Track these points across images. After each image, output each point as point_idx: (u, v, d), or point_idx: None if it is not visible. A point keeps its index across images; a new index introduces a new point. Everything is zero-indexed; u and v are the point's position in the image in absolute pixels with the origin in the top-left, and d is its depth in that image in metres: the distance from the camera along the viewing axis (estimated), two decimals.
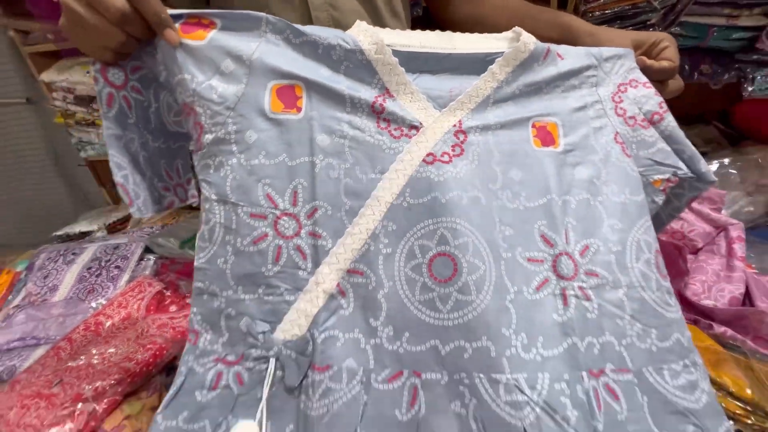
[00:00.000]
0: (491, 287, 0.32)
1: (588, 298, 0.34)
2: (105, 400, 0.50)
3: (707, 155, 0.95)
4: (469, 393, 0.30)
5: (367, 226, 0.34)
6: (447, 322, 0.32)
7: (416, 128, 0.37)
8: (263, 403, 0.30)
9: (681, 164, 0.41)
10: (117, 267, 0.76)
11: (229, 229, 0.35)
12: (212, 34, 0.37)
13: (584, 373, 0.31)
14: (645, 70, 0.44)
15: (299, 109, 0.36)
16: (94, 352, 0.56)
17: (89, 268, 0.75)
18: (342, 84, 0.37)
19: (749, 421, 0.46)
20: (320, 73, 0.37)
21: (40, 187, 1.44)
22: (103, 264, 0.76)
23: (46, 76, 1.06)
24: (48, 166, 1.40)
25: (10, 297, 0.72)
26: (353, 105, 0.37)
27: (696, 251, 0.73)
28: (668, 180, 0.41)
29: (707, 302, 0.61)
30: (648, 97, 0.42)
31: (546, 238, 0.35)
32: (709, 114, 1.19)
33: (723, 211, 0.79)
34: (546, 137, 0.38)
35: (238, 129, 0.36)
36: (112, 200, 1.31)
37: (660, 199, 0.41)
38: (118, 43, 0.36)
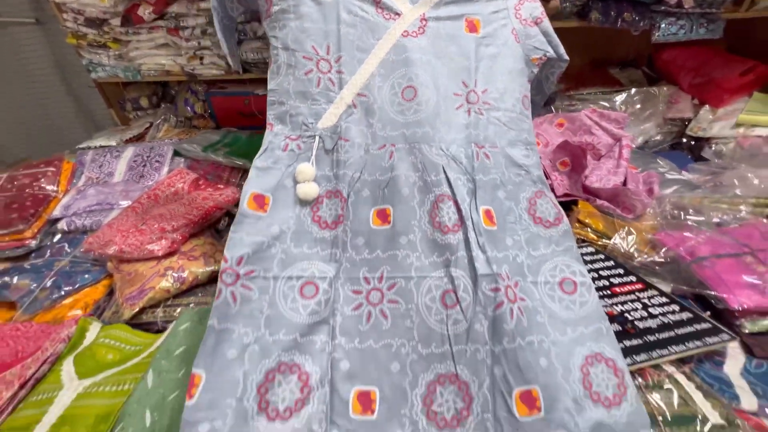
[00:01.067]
0: (433, 104, 0.57)
1: (481, 114, 0.59)
2: (179, 233, 0.72)
3: (627, 90, 1.19)
4: (418, 152, 0.55)
5: (369, 69, 0.59)
6: (410, 119, 0.57)
7: (399, 15, 0.60)
8: (313, 156, 0.56)
9: (549, 49, 0.66)
10: (157, 161, 0.94)
11: (290, 65, 0.59)
12: None
13: (473, 145, 0.57)
14: None
15: None
16: (162, 209, 0.77)
17: (135, 161, 0.93)
18: None
19: (599, 243, 0.74)
20: None
21: (49, 107, 1.52)
22: (145, 158, 0.94)
23: None
24: (57, 86, 1.48)
25: (74, 181, 0.90)
26: None
27: (600, 157, 1.00)
28: (540, 58, 0.66)
29: (596, 186, 0.88)
30: (535, 8, 0.67)
31: (464, 83, 0.60)
32: (640, 59, 1.42)
33: (627, 131, 1.05)
34: (472, 28, 0.62)
35: (295, 4, 0.59)
36: (120, 121, 1.43)
37: (535, 69, 0.66)
38: None
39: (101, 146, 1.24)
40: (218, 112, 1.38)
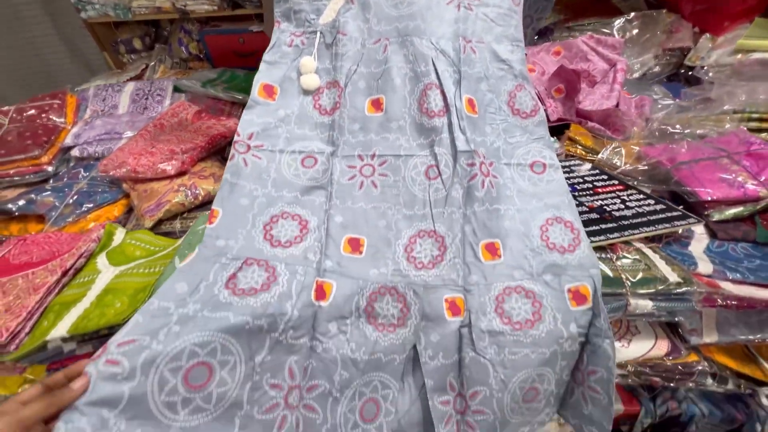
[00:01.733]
0: None
1: (470, 9, 0.60)
2: (188, 156, 0.76)
3: (626, 17, 1.17)
4: (410, 44, 0.58)
5: None
6: (403, 12, 0.59)
7: None
8: (315, 51, 0.59)
9: None
10: (158, 95, 0.96)
11: None
12: None
13: (461, 39, 0.60)
14: None
15: None
16: (169, 136, 0.80)
17: (137, 94, 0.95)
18: None
19: (588, 157, 0.78)
20: None
21: (43, 53, 1.49)
22: (146, 92, 0.96)
23: None
24: (50, 31, 1.44)
25: (80, 114, 0.92)
26: None
27: (595, 84, 1.01)
28: None
29: (589, 108, 0.90)
30: None
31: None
32: None
33: (624, 57, 1.05)
34: None
35: None
36: (115, 65, 1.42)
37: None
38: None
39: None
40: (213, 52, 1.36)
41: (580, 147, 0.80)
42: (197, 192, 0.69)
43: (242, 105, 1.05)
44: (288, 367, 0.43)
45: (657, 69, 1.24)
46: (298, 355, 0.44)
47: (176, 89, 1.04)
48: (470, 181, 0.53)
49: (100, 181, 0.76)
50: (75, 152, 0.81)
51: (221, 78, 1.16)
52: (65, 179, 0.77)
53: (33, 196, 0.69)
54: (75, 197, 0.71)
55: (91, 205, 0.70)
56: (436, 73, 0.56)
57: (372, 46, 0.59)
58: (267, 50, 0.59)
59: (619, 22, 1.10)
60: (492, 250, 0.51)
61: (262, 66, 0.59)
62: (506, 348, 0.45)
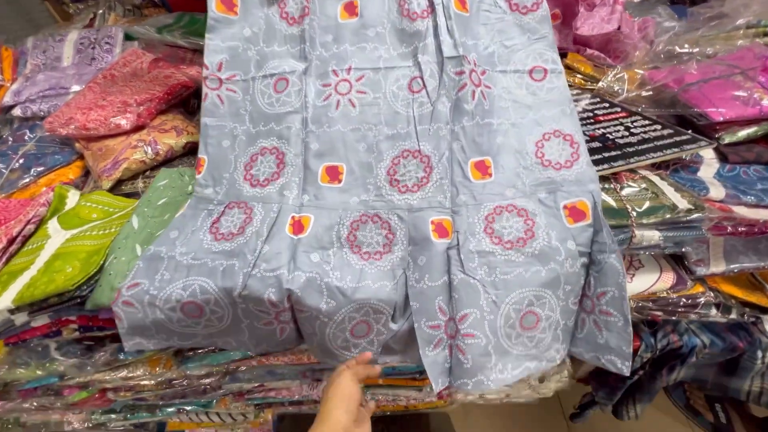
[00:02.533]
0: None
1: None
2: (144, 108, 0.67)
3: None
4: None
5: None
6: None
7: None
8: None
9: None
10: (107, 43, 0.85)
11: None
12: None
13: None
14: None
15: None
16: (122, 86, 0.71)
17: (81, 43, 0.84)
18: None
19: (588, 86, 0.71)
20: None
21: None
22: (92, 41, 0.85)
23: None
24: None
25: (19, 69, 0.82)
26: None
27: (593, 7, 0.91)
28: None
29: (587, 33, 0.82)
30: None
31: None
32: None
33: None
34: None
35: None
36: (60, 17, 1.27)
37: None
38: None
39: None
40: None
41: (579, 76, 0.73)
42: (158, 148, 0.62)
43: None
44: (267, 298, 0.42)
45: None
46: (274, 288, 0.42)
47: (127, 37, 0.92)
48: (459, 92, 0.49)
49: (50, 141, 0.68)
50: (17, 111, 0.72)
51: (179, 23, 1.03)
52: (10, 142, 0.69)
53: None
54: (21, 161, 0.64)
55: (42, 169, 0.63)
56: None
57: None
58: None
59: None
60: (482, 168, 0.48)
61: None
62: (497, 268, 0.42)
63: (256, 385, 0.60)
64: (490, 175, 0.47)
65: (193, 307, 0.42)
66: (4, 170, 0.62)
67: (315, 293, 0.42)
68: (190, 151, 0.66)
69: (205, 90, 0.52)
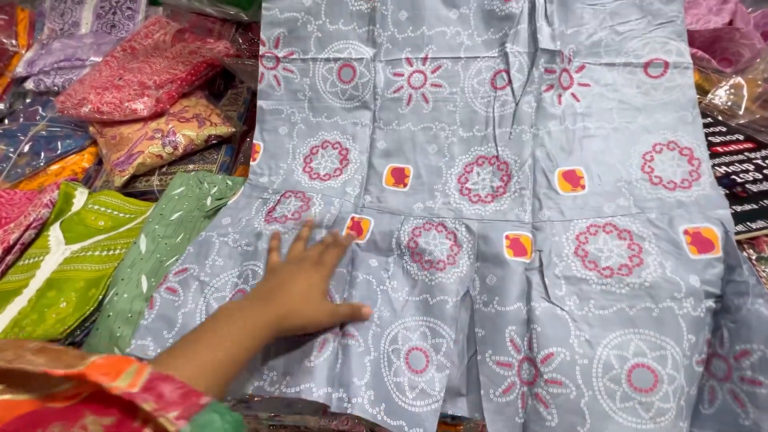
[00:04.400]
0: None
1: None
2: (164, 91, 0.59)
3: None
4: None
5: None
6: None
7: None
8: None
9: None
10: (129, 8, 0.76)
11: None
12: None
13: None
14: None
15: None
16: (141, 63, 0.63)
17: (102, 7, 0.75)
18: None
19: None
20: None
21: None
22: (114, 4, 0.76)
23: None
24: None
25: (35, 34, 0.74)
26: None
27: None
28: None
29: (691, 28, 0.67)
30: None
31: None
32: None
33: None
34: None
35: None
36: None
37: None
38: None
39: None
40: None
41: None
42: (176, 140, 0.55)
43: (236, 23, 0.85)
44: None
45: None
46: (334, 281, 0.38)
47: (152, 1, 0.83)
48: (545, 93, 0.42)
49: (63, 122, 0.62)
50: (29, 85, 0.66)
51: None
52: (21, 120, 0.63)
53: None
54: (30, 144, 0.57)
55: (52, 155, 0.57)
56: None
57: None
58: None
59: None
60: (573, 178, 0.41)
61: None
62: (591, 300, 0.33)
63: (272, 414, 0.55)
64: (583, 187, 0.40)
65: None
66: (11, 154, 0.56)
67: (372, 297, 0.37)
68: (213, 144, 0.58)
69: (261, 69, 0.48)
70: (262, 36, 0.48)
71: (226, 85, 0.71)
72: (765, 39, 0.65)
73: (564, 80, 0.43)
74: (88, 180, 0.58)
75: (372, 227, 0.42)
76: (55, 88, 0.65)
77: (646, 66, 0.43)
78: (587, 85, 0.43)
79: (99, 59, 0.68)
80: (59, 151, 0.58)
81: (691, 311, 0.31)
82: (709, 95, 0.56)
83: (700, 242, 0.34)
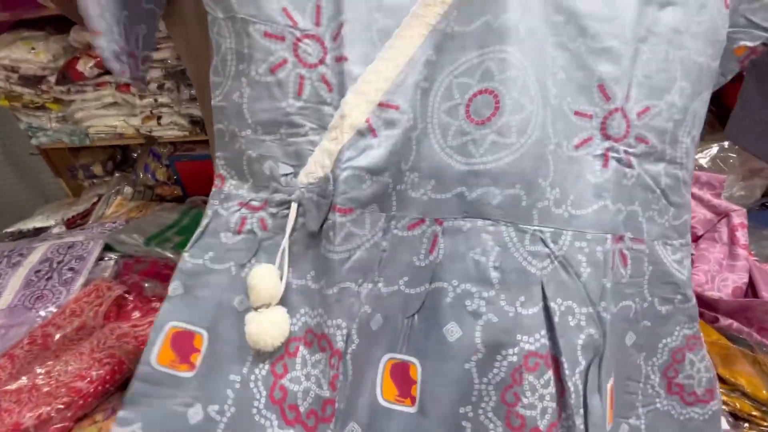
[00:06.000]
0: (535, 131, 0.28)
1: (630, 165, 0.31)
2: (51, 429, 0.43)
3: (703, 138, 0.92)
4: (493, 241, 0.29)
5: (404, 50, 0.29)
6: (478, 166, 0.29)
7: None
8: (283, 247, 0.31)
9: None
10: (71, 269, 0.67)
11: (242, 54, 0.30)
12: None
13: (608, 237, 0.30)
14: None
15: None
16: (39, 371, 0.49)
17: (38, 272, 0.66)
18: None
19: (766, 424, 0.43)
20: None
21: None
22: (54, 266, 0.67)
23: None
24: None
25: None
26: None
27: (696, 239, 0.70)
28: (753, 50, 0.35)
29: (711, 293, 0.58)
30: None
31: (604, 89, 0.29)
32: None
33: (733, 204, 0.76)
34: None
35: None
36: (71, 192, 1.20)
37: (732, 72, 0.36)
38: None
39: (36, 229, 1.00)
40: (185, 179, 1.14)
41: (742, 395, 0.45)
42: None
43: None
44: None
45: (742, 192, 0.96)
46: None
47: (108, 248, 0.76)
48: None
49: None
50: None
51: (181, 222, 0.89)
52: None
53: None
54: None
55: None
56: (550, 328, 0.29)
57: (403, 234, 0.33)
58: (190, 243, 0.32)
59: (712, 150, 0.83)
60: None
61: (175, 282, 0.31)
62: None
63: None
64: None
65: None
66: None
67: None
68: None
69: None
70: None
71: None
72: None
73: None
74: None
75: None
76: None
77: None
78: None
79: (1, 350, 0.54)
80: None
81: None
82: None
83: None
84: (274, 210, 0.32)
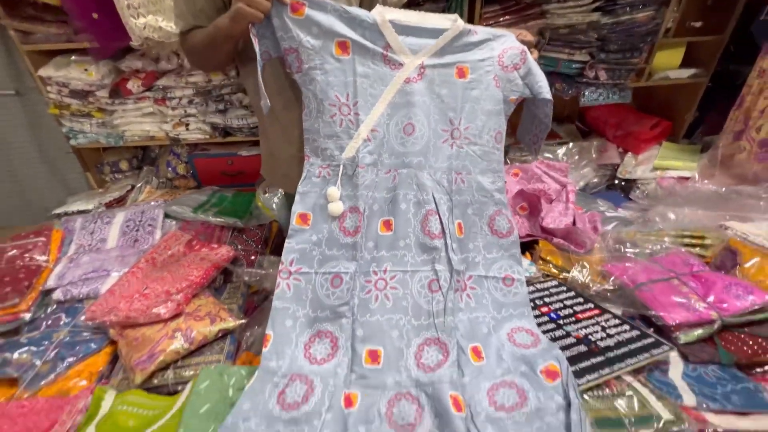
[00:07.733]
0: (426, 138, 0.73)
1: (462, 147, 0.75)
2: (183, 294, 0.75)
3: (566, 143, 1.41)
4: (414, 176, 0.75)
5: (379, 110, 0.72)
6: (409, 149, 0.72)
7: (401, 65, 0.72)
8: (339, 181, 0.72)
9: (526, 90, 0.77)
10: (149, 224, 0.98)
11: (319, 111, 0.72)
12: (306, 11, 0.67)
13: (453, 173, 0.75)
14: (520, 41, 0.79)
15: (348, 53, 0.70)
16: (162, 273, 0.80)
17: (127, 225, 0.96)
18: (367, 41, 0.70)
19: (560, 276, 0.86)
20: (357, 34, 0.70)
21: (20, 174, 1.48)
22: (137, 222, 0.97)
23: (44, 71, 1.17)
24: (32, 154, 1.46)
25: (64, 249, 0.90)
26: (373, 53, 0.71)
27: (551, 201, 1.16)
28: (517, 98, 0.77)
29: (553, 226, 1.03)
30: (515, 54, 0.75)
31: (451, 120, 0.74)
32: (573, 115, 1.69)
33: (570, 178, 1.24)
34: (461, 74, 0.74)
35: (321, 62, 0.70)
36: (97, 184, 1.43)
37: (512, 108, 0.78)
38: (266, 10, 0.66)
39: (80, 211, 1.24)
40: (201, 173, 1.44)
41: (552, 266, 0.89)
42: (193, 336, 0.68)
43: (232, 228, 1.09)
44: None
45: (596, 180, 1.47)
46: None
47: (166, 215, 1.06)
48: (455, 293, 0.68)
49: (84, 327, 0.72)
50: (57, 295, 0.78)
51: (211, 200, 1.20)
52: (43, 327, 0.72)
53: (7, 355, 0.64)
54: (56, 350, 0.66)
55: (74, 359, 0.66)
56: (434, 201, 0.72)
57: (384, 176, 0.73)
58: (300, 182, 0.72)
59: (562, 150, 1.32)
60: (477, 353, 0.64)
61: (297, 197, 0.72)
62: (509, 430, 0.52)
63: None
64: (483, 358, 0.63)
65: None
66: (37, 363, 0.64)
67: None
68: (221, 337, 0.72)
69: (278, 280, 0.68)
70: (282, 258, 0.70)
71: (225, 280, 0.89)
72: (595, 231, 1.02)
73: (468, 284, 0.71)
74: (101, 378, 0.66)
75: (360, 400, 0.58)
76: (81, 296, 0.78)
77: (503, 280, 0.74)
78: (474, 288, 0.72)
79: (123, 270, 0.83)
80: (81, 355, 0.67)
81: (564, 419, 0.53)
82: (570, 273, 0.85)
83: (551, 374, 0.57)
84: (332, 168, 0.72)
